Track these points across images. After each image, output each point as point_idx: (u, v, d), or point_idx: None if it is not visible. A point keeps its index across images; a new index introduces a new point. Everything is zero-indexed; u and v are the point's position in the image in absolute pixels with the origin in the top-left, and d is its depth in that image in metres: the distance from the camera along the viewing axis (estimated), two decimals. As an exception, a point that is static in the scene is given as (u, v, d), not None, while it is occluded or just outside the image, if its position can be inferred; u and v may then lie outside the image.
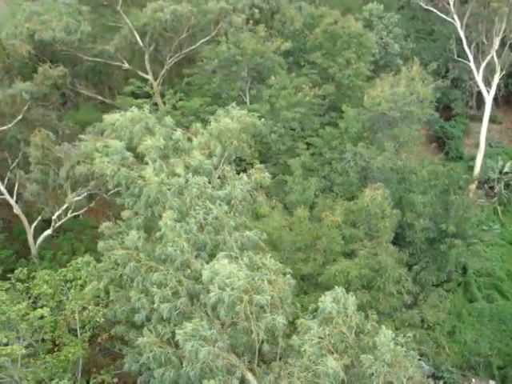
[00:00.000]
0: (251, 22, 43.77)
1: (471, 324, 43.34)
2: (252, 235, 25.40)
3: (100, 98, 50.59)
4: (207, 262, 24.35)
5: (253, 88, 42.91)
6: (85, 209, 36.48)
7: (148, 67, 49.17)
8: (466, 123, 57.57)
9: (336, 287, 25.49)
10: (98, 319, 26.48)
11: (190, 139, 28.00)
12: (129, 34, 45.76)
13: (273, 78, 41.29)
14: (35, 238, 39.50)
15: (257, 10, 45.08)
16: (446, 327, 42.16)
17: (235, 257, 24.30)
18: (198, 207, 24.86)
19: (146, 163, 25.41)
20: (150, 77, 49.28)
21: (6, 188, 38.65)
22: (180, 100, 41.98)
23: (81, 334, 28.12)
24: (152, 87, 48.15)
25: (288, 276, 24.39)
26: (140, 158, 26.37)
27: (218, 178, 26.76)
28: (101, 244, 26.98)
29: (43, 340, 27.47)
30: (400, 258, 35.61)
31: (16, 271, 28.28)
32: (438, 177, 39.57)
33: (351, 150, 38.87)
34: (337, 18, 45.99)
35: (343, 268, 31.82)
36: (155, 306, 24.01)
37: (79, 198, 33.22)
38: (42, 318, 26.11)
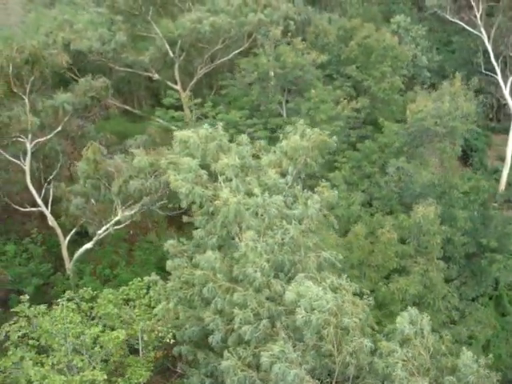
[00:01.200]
0: (289, 34, 43.51)
1: (505, 338, 43.32)
2: (328, 255, 25.12)
3: (127, 107, 49.96)
4: (286, 283, 24.11)
5: (290, 101, 42.63)
6: (127, 222, 35.74)
7: (177, 77, 48.78)
8: (488, 136, 57.83)
9: (409, 308, 25.36)
10: (168, 340, 25.91)
11: (255, 156, 27.65)
12: (162, 45, 45.35)
13: (313, 91, 41.04)
14: (69, 250, 38.90)
15: (292, 22, 44.83)
16: (480, 341, 42.11)
17: (314, 278, 24.03)
18: (275, 227, 24.57)
19: (221, 182, 24.99)
20: (178, 87, 48.76)
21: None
22: (219, 113, 41.42)
23: (143, 354, 27.55)
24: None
25: (370, 298, 24.19)
26: (212, 176, 25.94)
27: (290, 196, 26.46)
28: (169, 263, 26.54)
29: (105, 361, 26.84)
30: (449, 274, 35.64)
31: (81, 290, 27.65)
32: (479, 191, 39.69)
33: (394, 164, 38.77)
34: (371, 31, 45.94)
35: (401, 286, 31.67)
36: (235, 327, 23.59)
37: (131, 212, 32.56)
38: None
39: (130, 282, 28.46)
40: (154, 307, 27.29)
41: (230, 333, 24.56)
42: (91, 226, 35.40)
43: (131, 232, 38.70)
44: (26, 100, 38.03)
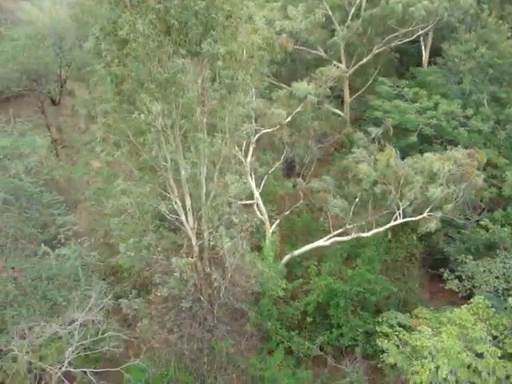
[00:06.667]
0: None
1: None
2: None
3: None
4: None
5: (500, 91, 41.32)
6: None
7: (342, 56, 46.70)
8: None
9: None
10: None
11: None
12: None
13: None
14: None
15: (485, 5, 43.31)
16: None
17: None
18: None
19: None
20: (342, 65, 46.72)
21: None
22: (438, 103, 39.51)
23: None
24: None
25: None
26: None
27: None
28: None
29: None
30: None
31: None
32: None
33: None
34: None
35: None
36: None
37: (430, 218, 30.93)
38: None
39: (475, 299, 27.07)
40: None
41: None
42: (352, 228, 33.70)
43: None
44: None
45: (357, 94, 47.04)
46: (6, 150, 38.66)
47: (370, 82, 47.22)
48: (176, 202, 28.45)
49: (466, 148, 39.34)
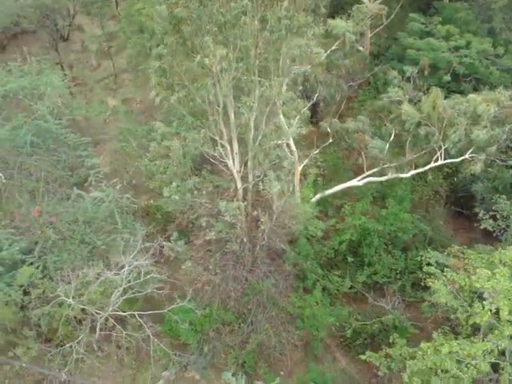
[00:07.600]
0: None
1: None
2: None
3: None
4: None
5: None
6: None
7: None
8: None
9: None
10: None
11: None
12: None
13: None
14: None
15: None
16: None
17: None
18: None
19: None
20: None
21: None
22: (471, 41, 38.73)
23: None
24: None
25: None
26: None
27: None
28: None
29: None
30: None
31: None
32: None
33: None
34: None
35: None
36: None
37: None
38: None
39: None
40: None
41: None
42: (388, 168, 33.75)
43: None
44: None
45: (378, 29, 45.89)
46: (26, 90, 37.45)
47: (393, 15, 45.98)
48: (224, 146, 28.12)
49: (494, 87, 39.60)
